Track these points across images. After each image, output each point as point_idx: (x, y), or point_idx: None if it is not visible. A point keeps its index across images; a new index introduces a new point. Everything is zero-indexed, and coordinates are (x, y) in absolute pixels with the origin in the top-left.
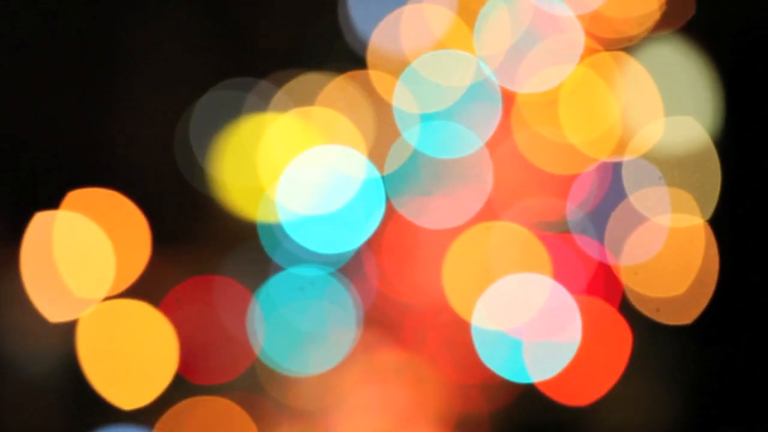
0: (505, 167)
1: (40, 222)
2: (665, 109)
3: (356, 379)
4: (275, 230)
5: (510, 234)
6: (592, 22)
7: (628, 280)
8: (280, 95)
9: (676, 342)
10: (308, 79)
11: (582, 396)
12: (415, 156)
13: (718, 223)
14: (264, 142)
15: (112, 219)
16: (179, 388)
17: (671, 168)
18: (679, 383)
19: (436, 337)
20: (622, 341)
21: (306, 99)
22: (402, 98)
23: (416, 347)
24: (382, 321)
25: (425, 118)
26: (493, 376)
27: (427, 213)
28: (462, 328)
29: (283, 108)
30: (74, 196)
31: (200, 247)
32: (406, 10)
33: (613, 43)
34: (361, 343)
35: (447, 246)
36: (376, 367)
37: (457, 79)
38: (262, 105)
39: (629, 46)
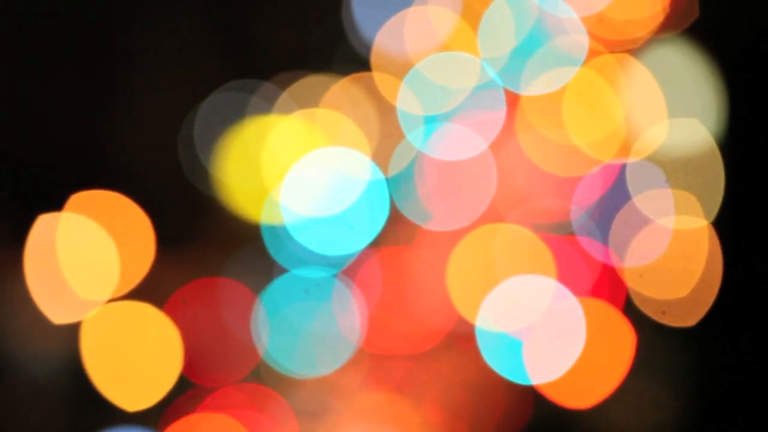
0: (509, 169)
1: (44, 224)
2: (669, 111)
3: (360, 380)
4: (279, 232)
5: (514, 236)
6: (596, 24)
7: (633, 283)
8: (285, 97)
9: (680, 344)
10: (312, 81)
11: (586, 398)
12: (419, 158)
13: (722, 225)
14: (268, 143)
15: (116, 221)
16: (183, 390)
17: (675, 170)
18: (683, 385)
19: (440, 338)
20: (626, 343)
21: (310, 101)
22: (406, 100)
23: (420, 348)
24: (387, 322)
25: (429, 120)
26: (497, 378)
27: (431, 215)
28: (466, 329)
29: (288, 110)
30: (78, 197)
31: (204, 249)
32: (410, 12)
33: (617, 45)
34: (365, 345)
35: (451, 248)
36: (380, 368)
37: (461, 81)
38: (267, 107)
39: (633, 48)
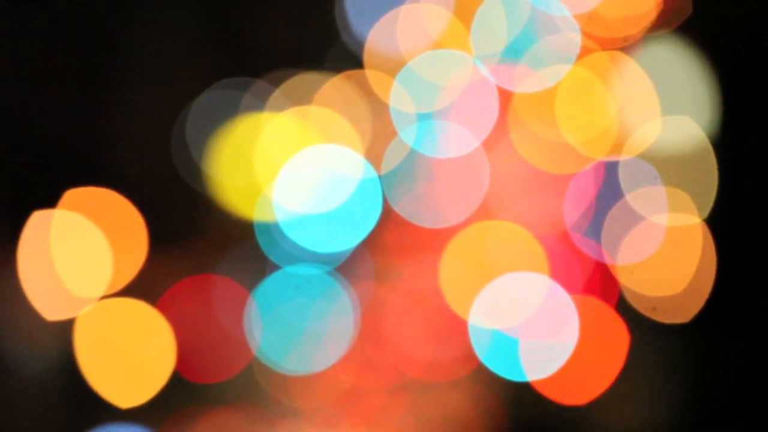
0: (502, 166)
1: (38, 221)
2: (662, 108)
3: (353, 377)
4: (272, 229)
5: (507, 233)
6: (588, 22)
7: (624, 279)
8: (277, 95)
9: (674, 341)
10: (305, 78)
11: (579, 395)
12: (412, 155)
13: (714, 222)
14: (261, 141)
15: (110, 218)
16: (176, 387)
17: (668, 167)
18: (676, 382)
19: (433, 335)
20: (619, 340)
21: (303, 98)
22: (399, 98)
23: (413, 347)
24: (379, 320)
25: (422, 117)
26: (490, 375)
27: (424, 212)
28: (459, 326)
29: (280, 107)
30: (72, 194)
31: (197, 246)
32: (403, 9)
33: (610, 42)
34: (357, 342)
35: (444, 245)
36: (372, 365)
37: (454, 78)
38: (259, 104)
39: (626, 45)
